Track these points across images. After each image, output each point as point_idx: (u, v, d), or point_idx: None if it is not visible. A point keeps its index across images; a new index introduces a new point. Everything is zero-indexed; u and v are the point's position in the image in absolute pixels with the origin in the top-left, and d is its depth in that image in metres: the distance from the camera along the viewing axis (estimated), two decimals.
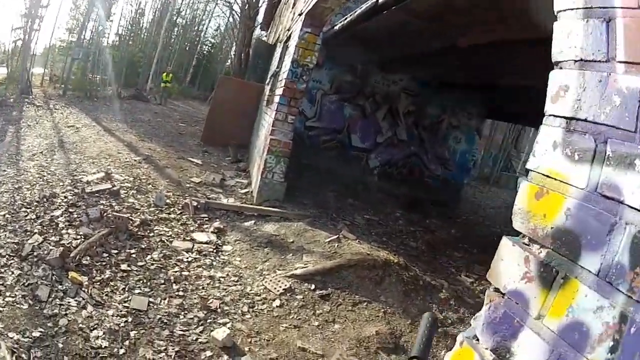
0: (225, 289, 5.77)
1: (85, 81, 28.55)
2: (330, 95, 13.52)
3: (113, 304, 5.03)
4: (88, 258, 5.58)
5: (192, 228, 7.19)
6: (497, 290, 1.83)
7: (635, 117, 1.33)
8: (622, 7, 1.45)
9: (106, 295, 5.15)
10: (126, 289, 5.33)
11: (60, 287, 5.00)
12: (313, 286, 5.89)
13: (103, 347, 4.33)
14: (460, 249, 9.70)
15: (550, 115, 1.71)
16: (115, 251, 5.96)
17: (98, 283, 5.26)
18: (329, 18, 8.78)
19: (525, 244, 1.70)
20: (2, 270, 5.02)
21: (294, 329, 5.17)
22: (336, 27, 10.10)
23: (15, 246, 5.58)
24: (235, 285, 5.90)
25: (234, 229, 7.41)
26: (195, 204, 7.85)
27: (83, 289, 5.07)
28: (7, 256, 5.34)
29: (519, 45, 6.94)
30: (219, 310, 5.29)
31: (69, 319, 4.58)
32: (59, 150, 10.35)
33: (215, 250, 6.62)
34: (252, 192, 9.31)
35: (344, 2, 7.54)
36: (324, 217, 8.61)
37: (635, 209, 1.28)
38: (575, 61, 1.62)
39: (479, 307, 5.79)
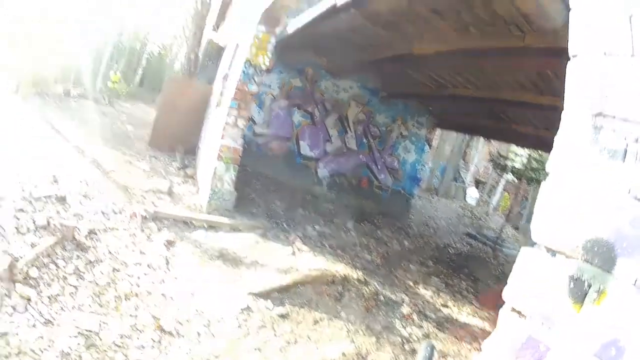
0: (178, 307, 5.49)
1: (39, 77, 28.03)
2: (280, 101, 13.48)
3: (63, 322, 4.67)
4: (36, 270, 5.21)
5: (140, 239, 6.87)
6: (514, 310, 1.68)
7: None
8: None
9: (55, 312, 4.77)
10: (75, 307, 4.97)
11: (9, 301, 4.63)
12: (271, 304, 5.73)
13: None
14: (415, 262, 9.71)
15: (572, 109, 1.60)
16: (63, 263, 5.61)
17: (47, 299, 4.90)
18: (285, 17, 8.65)
19: (550, 257, 1.57)
20: None
21: (256, 352, 4.95)
22: (289, 29, 9.98)
23: None
24: (189, 302, 5.63)
25: (184, 240, 7.15)
26: (143, 213, 7.55)
27: (31, 304, 4.73)
28: None
29: (477, 55, 6.97)
30: (173, 331, 5.01)
31: (20, 338, 4.23)
32: (4, 150, 9.85)
33: (165, 264, 6.34)
34: (200, 200, 9.04)
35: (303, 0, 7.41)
36: (275, 228, 8.50)
37: None
38: (598, 54, 1.52)
39: (441, 321, 5.69)
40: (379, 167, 15.23)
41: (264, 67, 8.73)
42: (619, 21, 1.42)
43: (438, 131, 21.19)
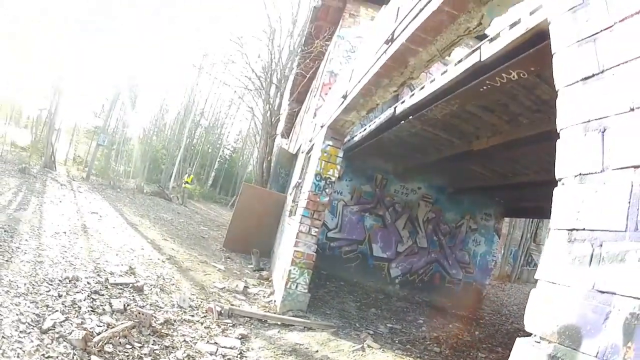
0: None
1: (109, 169, 29.54)
2: (351, 207, 13.83)
3: None
4: (111, 346, 5.58)
5: (215, 332, 7.17)
6: None
7: (625, 217, 1.55)
8: (615, 114, 1.67)
9: None
10: None
11: None
12: None
13: None
14: (484, 349, 9.62)
15: (555, 229, 1.93)
16: (139, 345, 5.97)
17: None
18: (349, 130, 9.14)
19: (537, 342, 1.86)
20: (21, 336, 5.04)
21: None
22: (355, 138, 10.38)
23: (36, 317, 5.62)
24: None
25: (258, 337, 7.38)
26: (219, 309, 7.91)
27: None
28: (26, 324, 5.36)
29: (528, 142, 7.19)
30: None
31: None
32: (82, 235, 10.45)
33: (239, 356, 6.54)
34: (275, 301, 9.33)
35: (364, 115, 7.82)
36: (347, 327, 8.63)
37: (626, 296, 1.46)
38: (575, 176, 1.86)
39: None
40: (450, 262, 15.17)
41: (334, 179, 9.16)
42: (592, 140, 1.80)
43: (507, 218, 21.02)
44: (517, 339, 1.97)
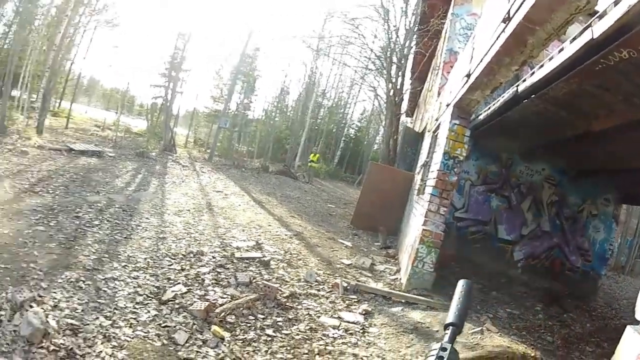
0: None
1: (232, 150, 30.91)
2: (478, 186, 13.73)
3: None
4: (233, 317, 5.95)
5: (340, 307, 7.43)
6: None
7: None
8: None
9: (247, 353, 5.36)
10: (269, 352, 5.52)
11: (200, 336, 5.36)
12: None
13: None
14: (591, 343, 9.33)
15: None
16: (262, 316, 6.30)
17: (240, 341, 5.53)
18: (475, 109, 9.14)
19: None
20: (138, 307, 5.53)
21: None
22: (480, 117, 10.36)
23: (155, 289, 6.14)
24: None
25: (381, 313, 7.53)
26: (345, 284, 8.19)
27: (224, 343, 5.38)
28: (144, 296, 5.88)
29: None
30: None
31: None
32: (207, 212, 11.13)
33: (361, 331, 6.73)
34: (400, 279, 9.47)
35: (488, 94, 7.85)
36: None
37: None
38: None
39: None
40: (571, 248, 14.59)
41: (462, 158, 9.14)
42: None
43: (624, 205, 19.92)
44: (627, 326, 2.11)
